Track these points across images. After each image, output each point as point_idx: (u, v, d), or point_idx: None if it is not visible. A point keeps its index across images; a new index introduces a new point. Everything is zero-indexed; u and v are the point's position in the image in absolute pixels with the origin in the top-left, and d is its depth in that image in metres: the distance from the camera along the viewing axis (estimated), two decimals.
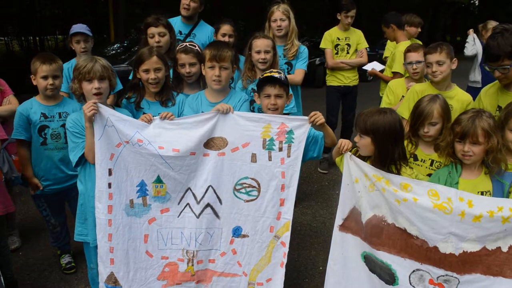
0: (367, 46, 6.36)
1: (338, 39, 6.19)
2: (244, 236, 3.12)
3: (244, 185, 3.08)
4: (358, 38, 6.20)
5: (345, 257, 2.92)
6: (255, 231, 3.09)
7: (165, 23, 4.01)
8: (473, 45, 6.94)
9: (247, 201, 3.08)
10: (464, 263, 2.49)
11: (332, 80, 6.37)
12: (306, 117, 2.97)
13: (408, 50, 4.20)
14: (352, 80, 6.29)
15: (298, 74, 4.65)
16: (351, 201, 2.85)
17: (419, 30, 6.01)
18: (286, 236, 3.08)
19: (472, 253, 2.47)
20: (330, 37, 6.21)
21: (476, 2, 42.58)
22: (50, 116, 3.57)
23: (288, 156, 3.00)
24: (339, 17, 6.13)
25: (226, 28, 4.47)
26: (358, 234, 2.84)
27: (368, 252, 2.78)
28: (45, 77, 3.49)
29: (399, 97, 4.10)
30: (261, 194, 3.06)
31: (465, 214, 2.42)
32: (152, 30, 3.93)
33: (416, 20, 5.93)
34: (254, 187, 3.07)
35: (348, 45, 6.18)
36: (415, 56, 4.08)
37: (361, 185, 2.76)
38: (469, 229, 2.44)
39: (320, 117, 2.92)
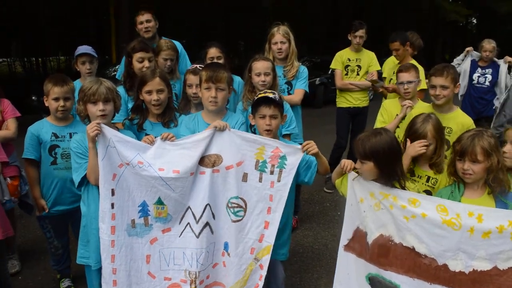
0: (379, 68, 6.26)
1: (349, 60, 6.18)
2: (229, 254, 3.12)
3: (233, 204, 3.08)
4: (370, 60, 6.18)
5: (350, 277, 2.89)
6: (236, 253, 3.07)
7: (153, 49, 4.10)
8: (458, 66, 7.02)
9: (234, 221, 3.08)
10: (474, 282, 2.46)
11: (342, 102, 6.33)
12: (299, 146, 2.99)
13: (400, 70, 4.22)
14: (362, 101, 6.24)
15: (297, 94, 4.68)
16: (355, 222, 2.84)
17: (415, 53, 5.97)
18: (266, 260, 3.03)
19: (483, 272, 2.45)
20: (340, 58, 6.22)
21: (474, 20, 43.07)
22: (61, 136, 3.59)
23: (278, 181, 3.01)
24: (349, 38, 6.14)
25: (212, 52, 4.46)
26: (362, 256, 2.81)
27: (374, 273, 2.74)
28: (56, 99, 3.52)
29: (393, 116, 4.13)
30: (247, 215, 3.06)
31: (474, 230, 2.42)
32: (142, 54, 3.97)
33: (417, 42, 5.89)
34: (241, 207, 3.07)
35: (359, 66, 6.15)
36: (406, 76, 4.10)
37: (366, 204, 2.75)
38: (479, 245, 2.42)
39: (313, 147, 2.92)
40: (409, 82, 4.06)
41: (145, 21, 4.99)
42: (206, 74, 3.26)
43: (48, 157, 3.56)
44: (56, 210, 3.67)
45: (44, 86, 3.56)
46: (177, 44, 5.14)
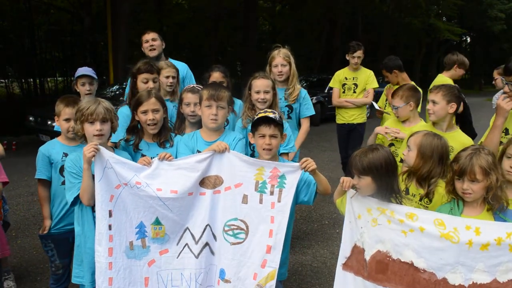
0: (377, 86, 6.52)
1: (346, 78, 6.49)
2: (226, 281, 3.02)
3: (232, 226, 3.03)
4: (366, 78, 6.40)
5: None
6: (238, 277, 2.99)
7: (158, 70, 4.15)
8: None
9: (233, 243, 3.02)
10: None
11: (339, 118, 6.67)
12: (297, 164, 2.97)
13: (392, 95, 4.36)
14: (356, 118, 6.45)
15: (305, 123, 4.75)
16: (353, 239, 2.83)
17: (464, 72, 6.10)
18: (271, 286, 2.92)
19: (483, 285, 2.44)
20: (338, 77, 6.57)
21: (468, 39, 43.67)
22: None
23: (279, 201, 2.96)
24: (347, 58, 6.43)
25: (216, 76, 4.54)
26: (360, 274, 2.79)
27: None
28: (67, 120, 3.52)
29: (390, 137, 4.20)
30: (249, 237, 3.00)
31: (472, 243, 2.43)
32: (146, 76, 4.03)
33: (466, 62, 5.95)
34: (242, 229, 3.02)
35: (355, 84, 6.44)
36: (393, 102, 4.23)
37: (363, 220, 2.76)
38: (477, 258, 2.43)
39: (311, 164, 2.90)
40: (394, 107, 4.18)
41: (150, 40, 5.17)
42: (208, 92, 3.29)
43: (59, 177, 3.54)
44: (61, 229, 3.64)
45: (56, 107, 3.57)
46: (183, 65, 5.30)
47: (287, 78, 4.64)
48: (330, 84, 6.73)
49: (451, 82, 5.73)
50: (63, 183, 3.51)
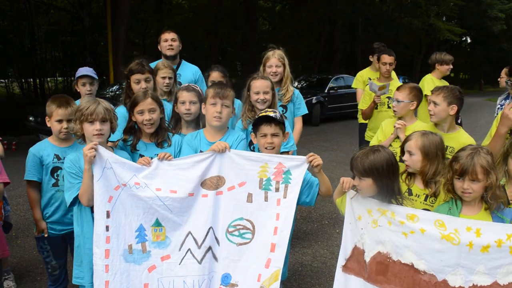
0: (400, 84, 6.45)
1: (370, 79, 6.49)
2: (233, 285, 2.96)
3: (238, 226, 2.99)
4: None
5: None
6: (246, 279, 2.92)
7: (150, 69, 4.12)
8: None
9: (240, 244, 2.97)
10: None
11: (362, 118, 6.64)
12: (304, 157, 2.93)
13: (398, 88, 4.30)
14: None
15: (298, 122, 4.77)
16: (353, 240, 2.83)
17: (451, 67, 6.22)
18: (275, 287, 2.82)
19: (483, 287, 2.44)
20: (361, 78, 6.63)
21: (468, 39, 43.61)
22: (63, 157, 3.54)
23: (285, 197, 2.92)
24: (371, 59, 6.56)
25: (214, 76, 4.57)
26: (361, 275, 2.79)
27: None
28: (59, 121, 3.49)
29: (387, 136, 4.17)
30: (255, 237, 2.95)
31: (473, 245, 2.43)
32: (138, 76, 4.01)
33: (446, 58, 6.10)
34: (248, 229, 2.98)
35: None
36: (397, 95, 4.19)
37: (364, 221, 2.75)
38: (478, 260, 2.43)
39: (318, 159, 2.89)
40: (398, 100, 4.12)
41: (170, 39, 5.17)
42: (214, 90, 3.30)
43: (50, 178, 3.52)
44: (55, 231, 3.63)
45: (47, 107, 3.51)
46: (196, 69, 5.35)
47: (281, 80, 4.65)
48: (353, 85, 6.80)
49: (435, 80, 5.99)
50: (54, 184, 3.51)
